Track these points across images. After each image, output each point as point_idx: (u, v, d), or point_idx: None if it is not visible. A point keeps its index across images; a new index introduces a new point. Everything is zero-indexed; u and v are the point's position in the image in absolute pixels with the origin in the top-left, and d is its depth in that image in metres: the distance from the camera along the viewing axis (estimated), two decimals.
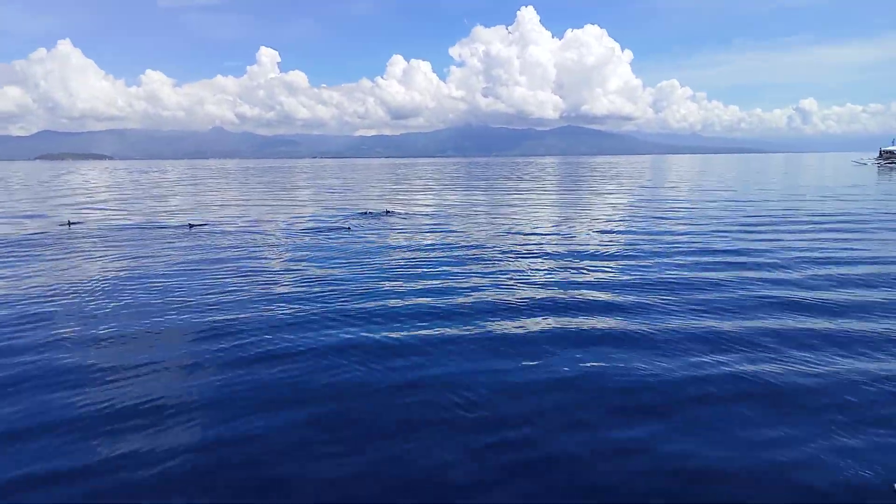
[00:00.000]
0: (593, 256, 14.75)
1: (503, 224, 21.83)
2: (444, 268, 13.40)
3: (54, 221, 22.66)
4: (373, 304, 10.12)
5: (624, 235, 18.32)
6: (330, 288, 11.35)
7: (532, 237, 18.42)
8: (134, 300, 10.48)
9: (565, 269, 13.36)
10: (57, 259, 14.64)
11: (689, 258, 14.30)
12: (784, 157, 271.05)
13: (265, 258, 14.74)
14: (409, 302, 10.39)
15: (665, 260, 14.13)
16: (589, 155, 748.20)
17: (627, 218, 23.25)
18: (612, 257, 14.56)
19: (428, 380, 6.88)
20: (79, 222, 22.19)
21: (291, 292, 11.07)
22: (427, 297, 10.74)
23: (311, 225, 21.34)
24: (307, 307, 9.96)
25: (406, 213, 25.14)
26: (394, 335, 8.45)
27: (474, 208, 28.62)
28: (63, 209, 28.91)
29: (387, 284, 11.70)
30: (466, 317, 9.43)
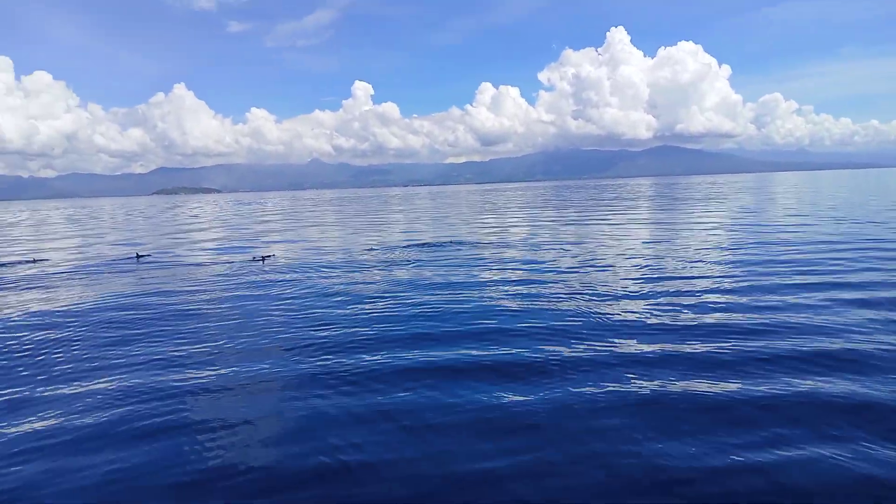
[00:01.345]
0: (694, 280, 13.37)
1: (585, 247, 20.10)
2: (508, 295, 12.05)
3: (127, 254, 23.40)
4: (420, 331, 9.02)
5: (725, 258, 16.15)
6: (383, 315, 10.35)
7: (624, 262, 16.90)
8: (148, 330, 9.95)
9: (663, 292, 12.35)
10: (94, 287, 14.57)
11: (796, 279, 12.55)
12: None
13: (313, 291, 13.94)
14: (467, 327, 9.60)
15: (771, 280, 12.68)
16: (685, 175, 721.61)
17: (727, 240, 20.75)
18: (713, 282, 12.77)
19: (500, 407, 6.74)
20: (147, 255, 22.64)
21: (329, 322, 10.17)
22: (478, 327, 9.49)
23: (371, 256, 20.50)
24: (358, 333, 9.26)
25: (477, 242, 23.81)
26: (463, 357, 8.48)
27: (557, 230, 26.73)
28: (145, 241, 30.03)
29: (438, 313, 10.52)
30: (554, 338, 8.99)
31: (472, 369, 7.93)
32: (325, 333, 10.03)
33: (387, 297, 13.04)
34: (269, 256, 20.77)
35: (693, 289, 12.72)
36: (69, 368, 8.59)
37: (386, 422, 6.35)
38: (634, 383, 7.19)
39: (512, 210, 50.38)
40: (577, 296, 12.47)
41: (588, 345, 8.83)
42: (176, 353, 9.14)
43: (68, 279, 17.48)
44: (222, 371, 8.23)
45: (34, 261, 22.08)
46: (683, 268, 15.62)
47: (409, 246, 23.01)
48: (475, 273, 16.21)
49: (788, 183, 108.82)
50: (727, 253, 18.17)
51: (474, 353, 8.64)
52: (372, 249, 21.86)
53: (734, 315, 10.28)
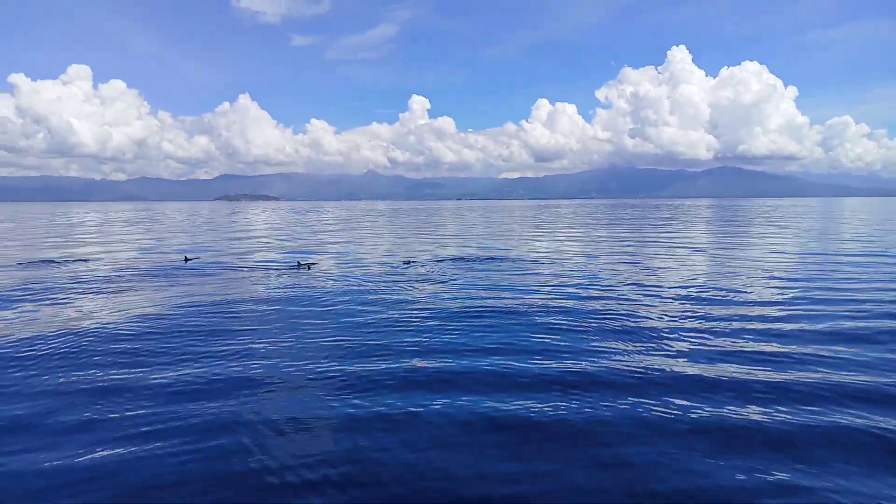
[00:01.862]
0: (743, 307, 12.31)
1: (633, 267, 19.38)
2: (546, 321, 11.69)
3: (177, 257, 24.24)
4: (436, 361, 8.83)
5: (778, 286, 15.22)
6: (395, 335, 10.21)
7: (671, 284, 16.08)
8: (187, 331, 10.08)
9: (709, 316, 11.66)
10: (145, 289, 14.98)
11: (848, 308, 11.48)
12: None
13: (345, 300, 13.90)
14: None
15: (823, 310, 11.54)
16: (746, 197, 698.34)
17: (782, 266, 19.61)
18: (763, 309, 11.90)
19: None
20: (196, 258, 23.31)
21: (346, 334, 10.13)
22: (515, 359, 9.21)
23: (410, 269, 20.39)
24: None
25: (520, 258, 23.37)
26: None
27: (606, 249, 25.92)
28: (199, 245, 30.88)
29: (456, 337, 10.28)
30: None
31: (493, 383, 7.81)
32: (343, 340, 10.10)
33: (412, 309, 12.97)
34: (312, 264, 20.96)
35: (742, 315, 12.08)
36: (103, 361, 8.85)
37: (387, 429, 6.40)
38: (674, 408, 6.92)
39: (562, 227, 49.56)
40: (616, 316, 12.05)
41: (622, 364, 8.56)
42: (197, 352, 9.38)
43: (112, 278, 18.12)
44: (236, 371, 8.39)
45: (86, 260, 22.97)
46: (733, 294, 14.80)
47: (450, 259, 22.86)
48: (512, 289, 15.88)
49: (856, 209, 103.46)
50: (781, 281, 17.19)
51: (487, 366, 8.52)
52: (413, 262, 21.74)
53: (783, 344, 9.74)
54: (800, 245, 29.11)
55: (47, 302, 14.04)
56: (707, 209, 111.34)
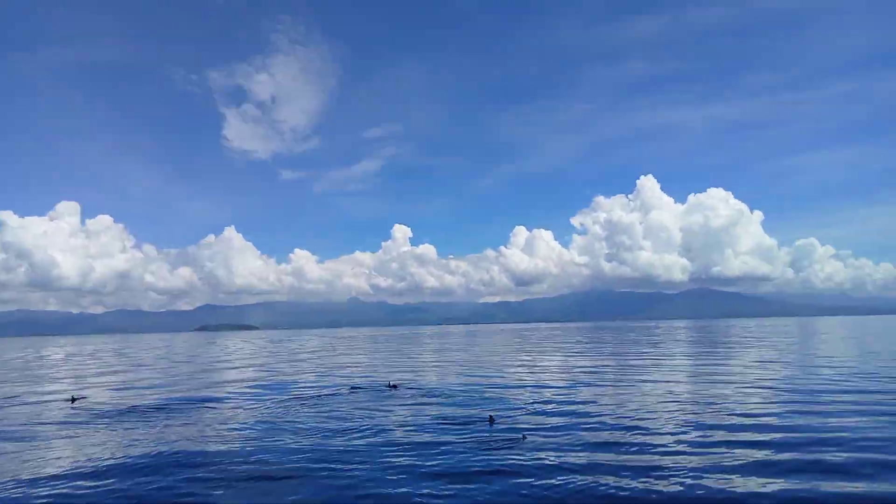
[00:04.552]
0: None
1: (617, 396, 18.49)
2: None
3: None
4: None
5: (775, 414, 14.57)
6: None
7: (664, 413, 15.69)
8: None
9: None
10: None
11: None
12: None
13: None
14: None
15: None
16: (723, 317, 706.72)
17: (766, 390, 19.29)
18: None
19: None
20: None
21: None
22: None
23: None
24: None
25: (511, 383, 21.50)
26: None
27: (570, 371, 24.56)
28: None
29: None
30: None
31: None
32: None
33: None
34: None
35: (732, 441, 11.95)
36: None
37: None
38: None
39: (537, 351, 47.56)
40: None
41: None
42: None
43: None
44: None
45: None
46: (720, 421, 14.36)
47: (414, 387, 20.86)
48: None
49: (832, 328, 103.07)
50: (767, 403, 16.81)
51: None
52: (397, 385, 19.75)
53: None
54: (794, 368, 27.67)
55: None
56: (689, 330, 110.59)
